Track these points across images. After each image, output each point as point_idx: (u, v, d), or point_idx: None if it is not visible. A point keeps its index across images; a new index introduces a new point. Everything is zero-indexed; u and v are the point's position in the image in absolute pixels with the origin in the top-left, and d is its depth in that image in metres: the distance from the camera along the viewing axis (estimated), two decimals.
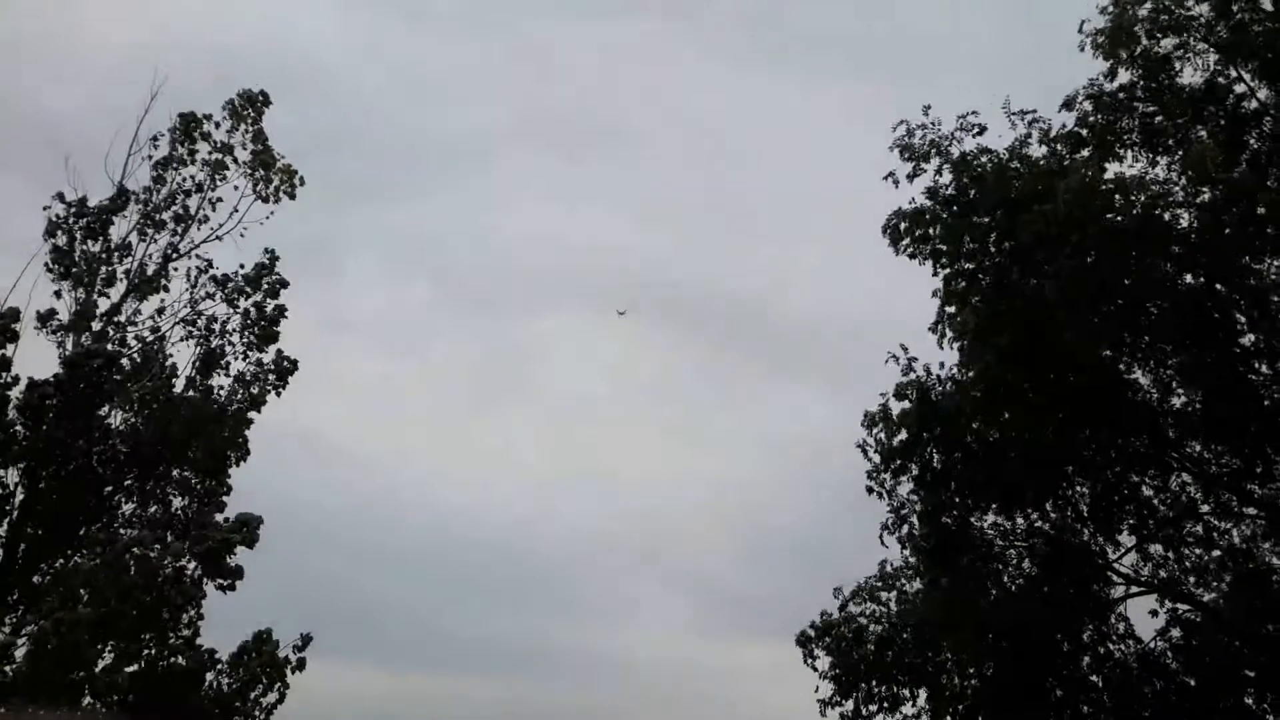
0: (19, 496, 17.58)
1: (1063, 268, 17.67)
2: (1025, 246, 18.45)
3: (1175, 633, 18.63)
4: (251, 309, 19.23)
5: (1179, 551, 19.06)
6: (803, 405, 68.84)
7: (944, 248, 19.26)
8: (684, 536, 64.12)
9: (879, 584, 20.88)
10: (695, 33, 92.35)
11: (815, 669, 19.69)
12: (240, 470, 19.73)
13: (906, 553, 20.40)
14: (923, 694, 19.35)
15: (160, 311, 18.99)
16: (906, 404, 19.66)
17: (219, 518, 18.85)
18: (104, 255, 18.76)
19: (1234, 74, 18.84)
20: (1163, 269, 18.43)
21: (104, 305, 18.98)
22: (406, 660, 47.43)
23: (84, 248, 18.75)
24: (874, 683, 19.17)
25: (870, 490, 19.63)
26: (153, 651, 18.27)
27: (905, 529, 19.74)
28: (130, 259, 18.88)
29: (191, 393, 19.03)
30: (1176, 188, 18.78)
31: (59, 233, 18.89)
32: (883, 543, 20.24)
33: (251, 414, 19.72)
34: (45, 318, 18.47)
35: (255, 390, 19.30)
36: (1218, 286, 18.42)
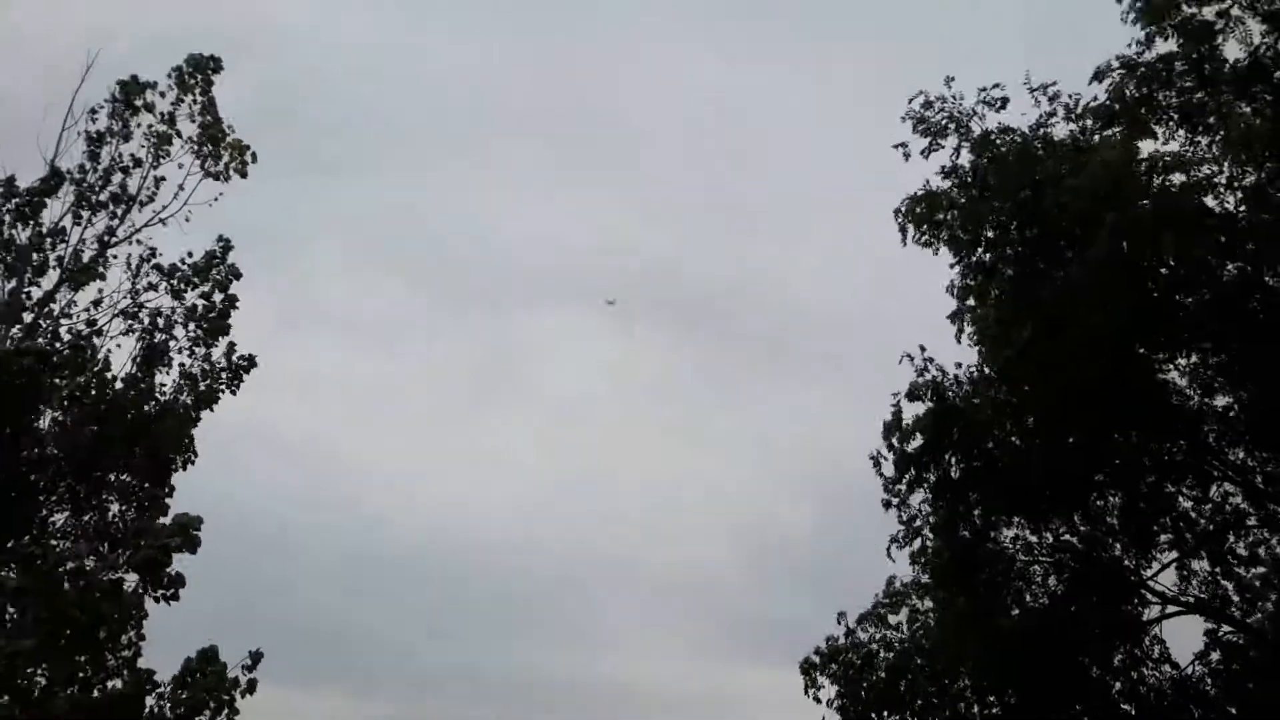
0: None
1: (1093, 252, 16.02)
2: (1050, 233, 16.92)
3: (1215, 656, 17.36)
4: (199, 301, 17.48)
5: (1220, 568, 17.46)
6: (804, 405, 67.28)
7: (963, 235, 17.65)
8: (682, 546, 62.58)
9: (886, 602, 19.35)
10: (697, 23, 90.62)
11: (819, 700, 18.10)
12: (190, 475, 18.06)
13: (918, 569, 18.87)
14: None
15: (97, 303, 17.19)
16: (920, 406, 18.09)
17: (161, 521, 17.08)
18: (35, 241, 16.97)
19: None
20: (1203, 256, 16.81)
21: (36, 295, 17.20)
22: (378, 687, 45.09)
23: (13, 233, 16.98)
24: (885, 714, 17.58)
25: (888, 505, 18.04)
26: (89, 674, 16.71)
27: (918, 543, 18.16)
28: (64, 244, 17.09)
29: (133, 392, 17.27)
30: (1219, 169, 17.11)
31: None
32: (890, 557, 18.82)
33: (202, 413, 18.00)
34: None
35: (204, 388, 17.54)
36: (1265, 276, 16.76)
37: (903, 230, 18.42)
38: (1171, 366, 17.86)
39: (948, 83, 17.97)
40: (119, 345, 17.63)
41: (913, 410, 18.41)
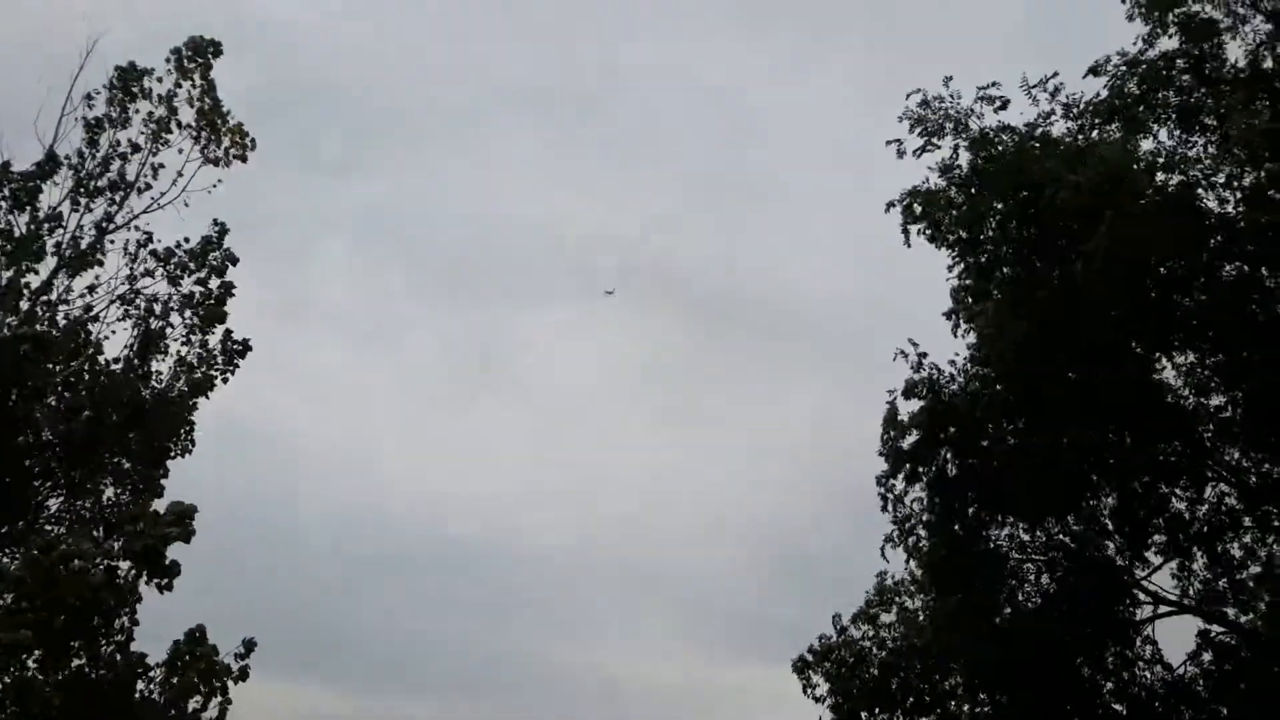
0: None
1: (1091, 251, 15.95)
2: (1048, 232, 16.82)
3: (1207, 657, 17.20)
4: (196, 288, 17.51)
5: (1213, 569, 17.39)
6: (801, 399, 67.10)
7: (963, 234, 17.60)
8: (675, 540, 62.37)
9: (876, 599, 19.31)
10: (697, 12, 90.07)
11: (817, 699, 18.07)
12: (185, 463, 18.09)
13: (911, 565, 18.84)
14: None
15: (94, 289, 17.24)
16: (917, 403, 18.01)
17: (156, 505, 17.08)
18: (32, 227, 17.00)
19: None
20: (1201, 256, 16.73)
21: (34, 282, 17.21)
22: (367, 680, 44.98)
23: (10, 219, 17.00)
24: (877, 711, 17.54)
25: (884, 500, 17.99)
26: (83, 660, 16.73)
27: (912, 540, 18.10)
28: (62, 230, 17.12)
29: (130, 375, 17.33)
30: (1218, 169, 17.02)
31: None
32: (884, 556, 18.77)
33: (198, 400, 18.03)
34: None
35: (200, 375, 17.58)
36: (1262, 276, 16.69)
37: (905, 231, 18.31)
38: (1168, 366, 17.78)
39: (946, 82, 17.88)
40: (115, 332, 17.71)
41: (908, 407, 18.37)
